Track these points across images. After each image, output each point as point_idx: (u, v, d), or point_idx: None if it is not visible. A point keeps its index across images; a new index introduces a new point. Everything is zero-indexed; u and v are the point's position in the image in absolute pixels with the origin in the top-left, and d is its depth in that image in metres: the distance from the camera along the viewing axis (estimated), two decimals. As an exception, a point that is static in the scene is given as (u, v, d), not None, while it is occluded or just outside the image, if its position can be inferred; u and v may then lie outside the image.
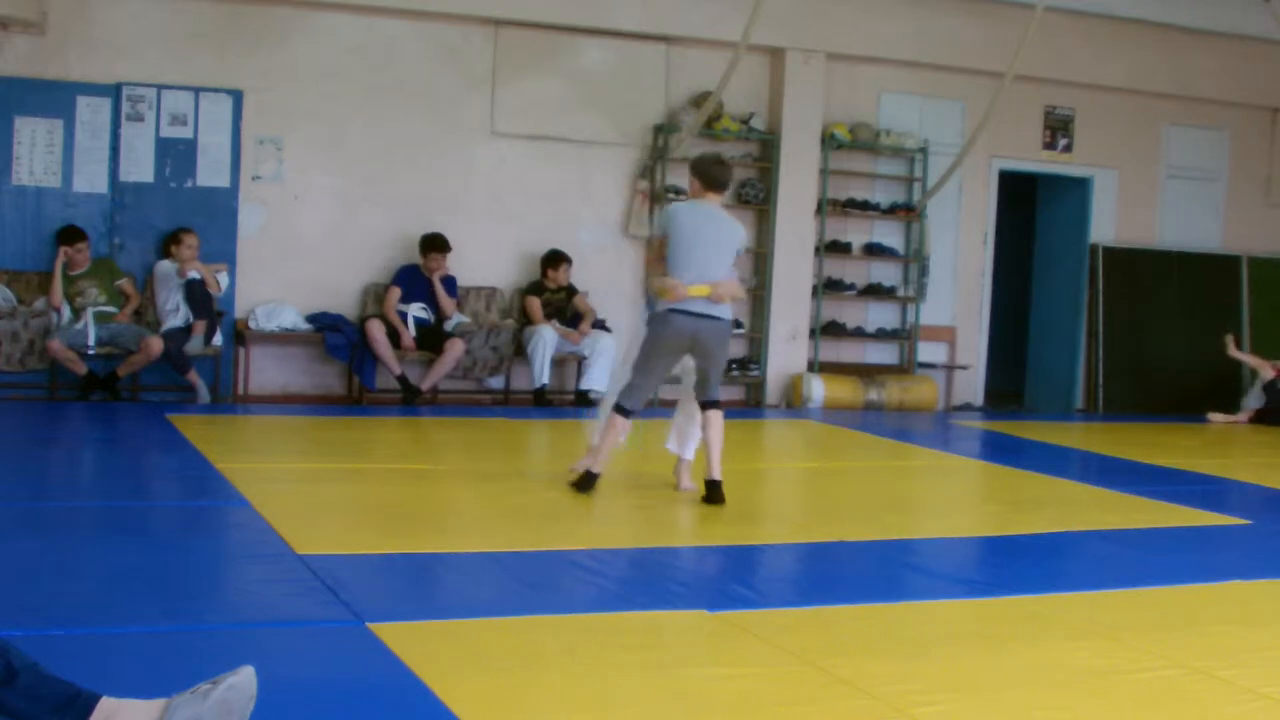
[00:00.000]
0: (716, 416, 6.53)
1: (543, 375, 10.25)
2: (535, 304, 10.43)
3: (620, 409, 6.49)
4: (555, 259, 10.48)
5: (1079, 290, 12.47)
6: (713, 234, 6.41)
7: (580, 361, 10.64)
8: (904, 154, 11.77)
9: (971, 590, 4.90)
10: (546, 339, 10.23)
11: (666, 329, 6.41)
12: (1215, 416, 11.84)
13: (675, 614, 4.31)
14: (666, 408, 10.91)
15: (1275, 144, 13.26)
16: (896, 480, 8.00)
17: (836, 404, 11.15)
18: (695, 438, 6.73)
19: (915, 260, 11.79)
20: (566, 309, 10.54)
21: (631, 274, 11.11)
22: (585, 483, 6.46)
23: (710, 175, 6.45)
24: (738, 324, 11.34)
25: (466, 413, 9.87)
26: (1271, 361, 12.03)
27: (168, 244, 9.57)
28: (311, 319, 10.07)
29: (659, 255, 6.51)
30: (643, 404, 6.59)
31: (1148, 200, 12.79)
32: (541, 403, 10.27)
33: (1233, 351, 12.21)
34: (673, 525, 6.09)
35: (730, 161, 6.54)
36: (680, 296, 6.32)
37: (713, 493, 6.38)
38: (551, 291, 10.51)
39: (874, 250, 11.80)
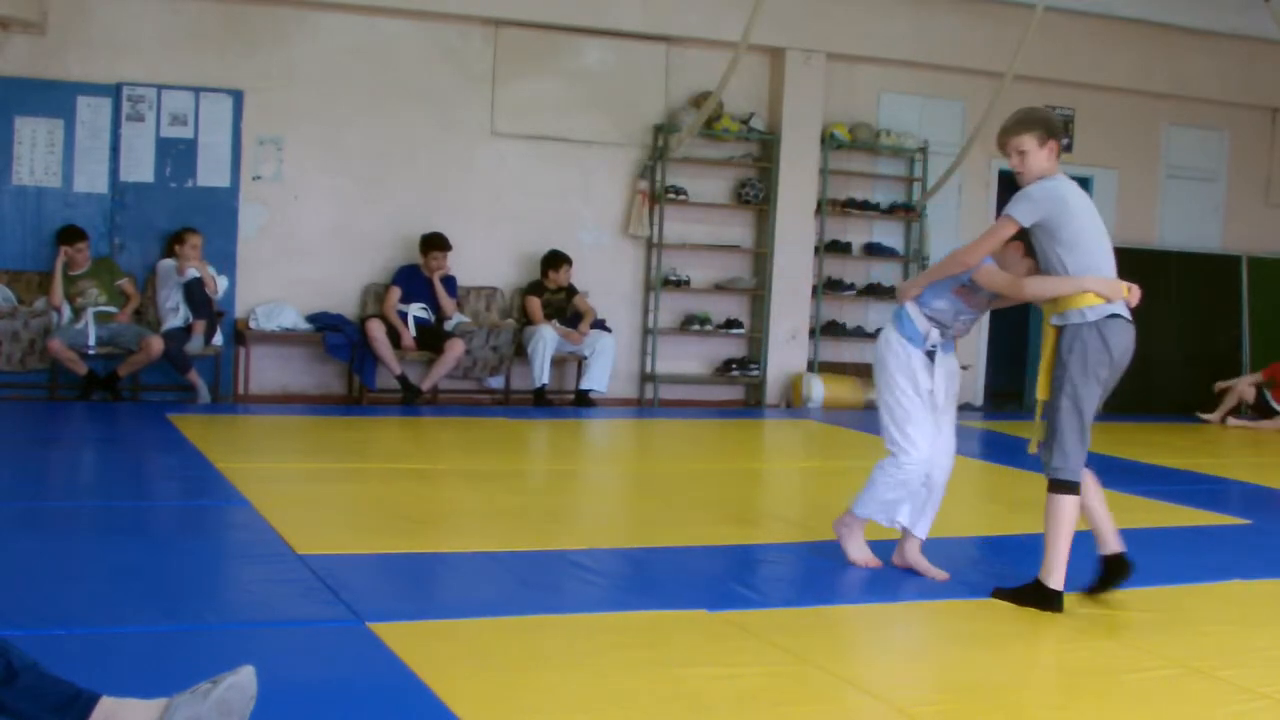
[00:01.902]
0: (1091, 481, 4.79)
1: (543, 375, 10.25)
2: (535, 304, 10.43)
3: (1067, 486, 4.61)
4: (555, 260, 10.48)
5: (1079, 290, 12.44)
6: (1096, 214, 4.77)
7: (580, 361, 10.65)
8: (904, 154, 11.77)
9: (971, 590, 4.90)
10: (547, 339, 10.23)
11: (1110, 345, 4.64)
12: (1207, 416, 11.77)
13: (675, 614, 4.31)
14: (671, 406, 10.99)
15: (1275, 144, 13.26)
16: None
17: (836, 404, 11.15)
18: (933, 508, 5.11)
19: (915, 260, 11.79)
20: (566, 309, 10.54)
21: (631, 274, 11.11)
22: (1054, 602, 4.58)
23: (1058, 130, 4.75)
24: (737, 324, 11.37)
25: (466, 413, 9.87)
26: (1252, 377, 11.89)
27: (171, 243, 9.57)
28: (311, 319, 10.07)
29: (1007, 248, 4.76)
30: (1083, 463, 4.70)
31: (1148, 200, 12.79)
32: (541, 403, 10.28)
33: (1221, 386, 11.89)
34: (673, 525, 6.08)
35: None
36: (1116, 295, 4.65)
37: (1119, 568, 4.76)
38: (551, 292, 10.51)
39: (874, 250, 11.80)
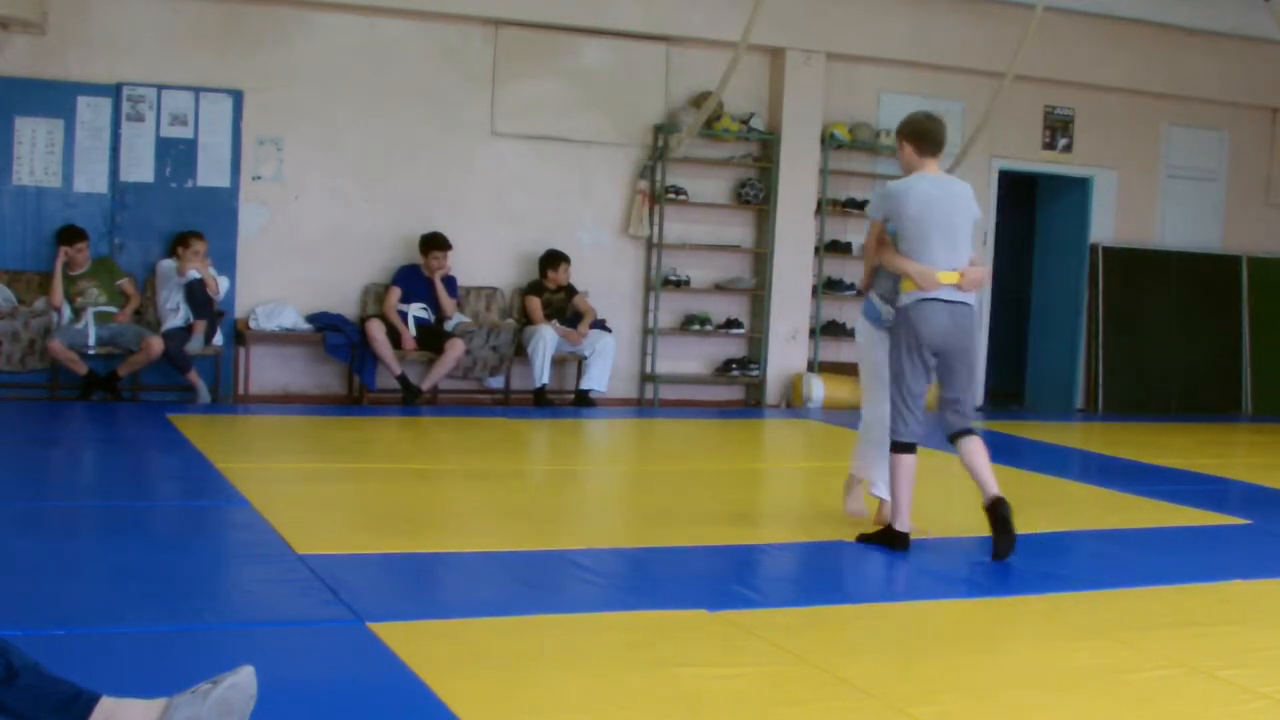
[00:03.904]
0: (978, 444, 5.48)
1: (543, 375, 10.25)
2: (536, 304, 10.43)
3: (899, 446, 5.43)
4: (554, 259, 10.48)
5: (1079, 290, 12.47)
6: (945, 211, 5.42)
7: (580, 361, 10.65)
8: (904, 154, 11.75)
9: (971, 590, 4.90)
10: (547, 339, 10.23)
11: (922, 325, 5.37)
12: None
13: (675, 614, 4.31)
14: (671, 406, 11.00)
15: (1275, 144, 13.26)
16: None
17: (836, 404, 11.14)
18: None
19: (915, 260, 11.78)
20: (566, 309, 10.54)
21: (632, 274, 11.11)
22: (899, 541, 5.46)
23: (927, 135, 5.48)
24: (737, 323, 11.37)
25: (466, 413, 9.87)
26: None
27: (174, 245, 9.57)
28: (311, 319, 10.07)
29: (882, 241, 5.57)
30: (921, 428, 5.47)
31: (1148, 200, 12.79)
32: (542, 402, 10.28)
33: None
34: (673, 525, 6.08)
35: (941, 117, 5.61)
36: (933, 285, 5.35)
37: (1002, 510, 5.31)
38: (551, 292, 10.51)
39: (874, 250, 11.78)
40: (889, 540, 5.46)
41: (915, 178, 5.47)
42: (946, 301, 5.35)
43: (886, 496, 5.68)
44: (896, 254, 5.45)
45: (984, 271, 5.61)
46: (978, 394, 12.27)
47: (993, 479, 5.36)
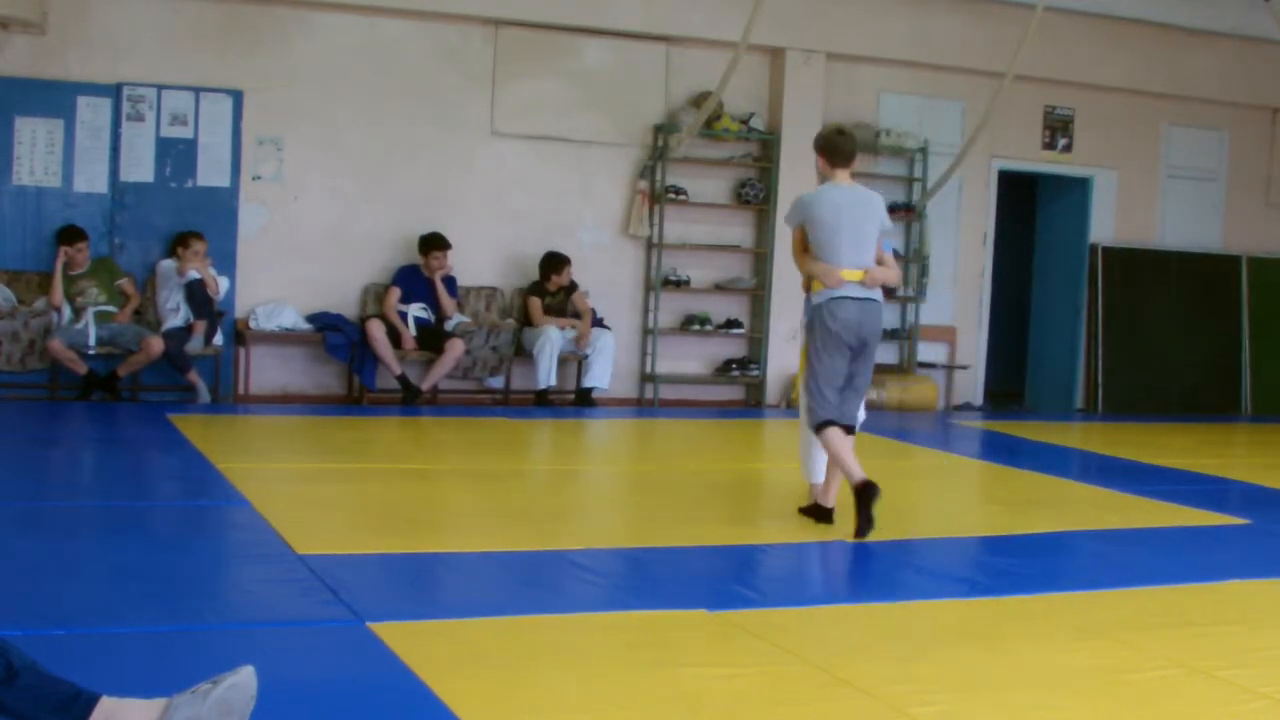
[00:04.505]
0: (851, 442, 5.94)
1: (550, 377, 10.25)
2: (537, 305, 10.42)
3: (823, 424, 5.87)
4: (557, 263, 10.44)
5: (1079, 290, 12.47)
6: (852, 216, 5.87)
7: (580, 360, 10.65)
8: (904, 154, 11.77)
9: (971, 590, 4.90)
10: (553, 340, 10.24)
11: (833, 320, 5.84)
12: None
13: (675, 614, 4.31)
14: (671, 406, 10.98)
15: (1275, 144, 13.26)
16: (896, 480, 7.96)
17: (836, 404, 11.12)
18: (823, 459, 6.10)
19: (915, 260, 11.79)
20: (566, 309, 10.54)
21: (631, 274, 11.11)
22: (825, 516, 5.97)
23: (836, 149, 5.96)
24: (737, 323, 11.36)
25: (466, 413, 9.87)
26: None
27: (174, 245, 9.57)
28: (311, 319, 10.07)
29: (803, 246, 6.00)
30: (836, 409, 5.91)
31: (1148, 200, 12.79)
32: (545, 403, 10.28)
33: None
34: (673, 525, 6.08)
35: (851, 131, 6.12)
36: (836, 282, 5.82)
37: (869, 491, 5.70)
38: (552, 294, 10.51)
39: (874, 250, 11.78)
40: (818, 515, 5.99)
41: (826, 186, 5.95)
42: (855, 298, 5.82)
43: (815, 480, 6.14)
44: (806, 256, 5.96)
45: (889, 273, 5.99)
46: (978, 396, 12.29)
47: (858, 466, 5.79)
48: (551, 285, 10.49)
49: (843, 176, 5.96)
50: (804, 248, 6.00)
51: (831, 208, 5.85)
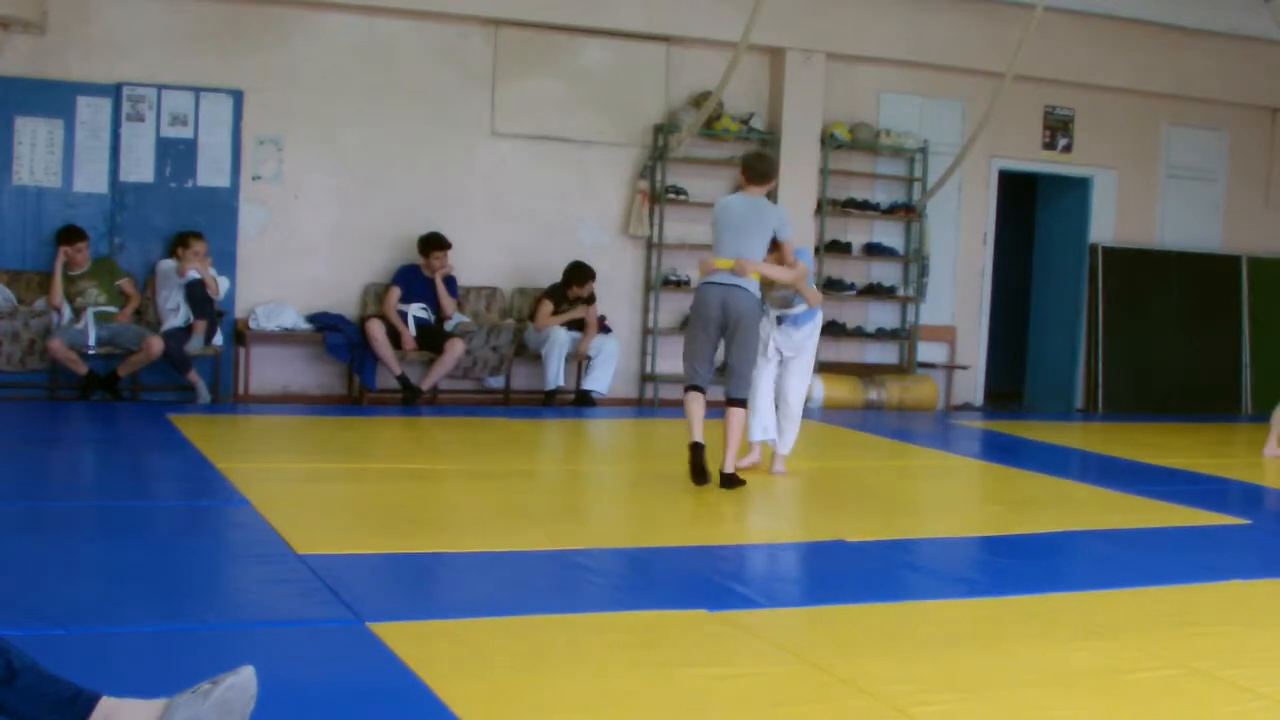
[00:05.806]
0: (738, 414, 6.87)
1: (558, 378, 10.26)
2: (548, 309, 10.38)
3: (690, 388, 6.93)
4: (583, 276, 10.39)
5: (1079, 290, 12.48)
6: (742, 219, 6.85)
7: (582, 362, 10.65)
8: (904, 154, 11.77)
9: (971, 590, 4.90)
10: (561, 341, 10.24)
11: (699, 301, 6.88)
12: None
13: (675, 614, 4.31)
14: (672, 406, 10.96)
15: (1275, 144, 13.26)
16: (896, 480, 8.00)
17: (836, 404, 11.15)
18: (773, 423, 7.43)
19: (915, 260, 11.80)
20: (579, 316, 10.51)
21: (631, 274, 11.12)
22: (693, 450, 6.84)
23: (749, 167, 6.98)
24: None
25: (466, 413, 9.87)
26: None
27: (175, 245, 9.57)
28: (311, 319, 10.07)
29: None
30: (704, 380, 6.92)
31: (1147, 200, 12.79)
32: (552, 403, 10.29)
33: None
34: (673, 525, 6.09)
35: (770, 155, 7.70)
36: (709, 270, 6.85)
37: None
38: (570, 303, 10.49)
39: (874, 250, 11.80)
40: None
41: (735, 195, 7.05)
42: (719, 284, 6.76)
43: (752, 439, 7.29)
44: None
45: (773, 269, 6.89)
46: (978, 396, 12.29)
47: (734, 456, 6.81)
48: (571, 295, 10.47)
49: (754, 191, 6.92)
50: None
51: (727, 211, 6.90)
